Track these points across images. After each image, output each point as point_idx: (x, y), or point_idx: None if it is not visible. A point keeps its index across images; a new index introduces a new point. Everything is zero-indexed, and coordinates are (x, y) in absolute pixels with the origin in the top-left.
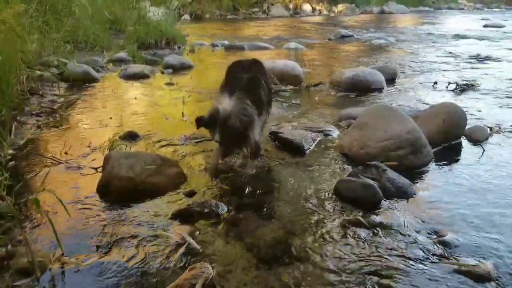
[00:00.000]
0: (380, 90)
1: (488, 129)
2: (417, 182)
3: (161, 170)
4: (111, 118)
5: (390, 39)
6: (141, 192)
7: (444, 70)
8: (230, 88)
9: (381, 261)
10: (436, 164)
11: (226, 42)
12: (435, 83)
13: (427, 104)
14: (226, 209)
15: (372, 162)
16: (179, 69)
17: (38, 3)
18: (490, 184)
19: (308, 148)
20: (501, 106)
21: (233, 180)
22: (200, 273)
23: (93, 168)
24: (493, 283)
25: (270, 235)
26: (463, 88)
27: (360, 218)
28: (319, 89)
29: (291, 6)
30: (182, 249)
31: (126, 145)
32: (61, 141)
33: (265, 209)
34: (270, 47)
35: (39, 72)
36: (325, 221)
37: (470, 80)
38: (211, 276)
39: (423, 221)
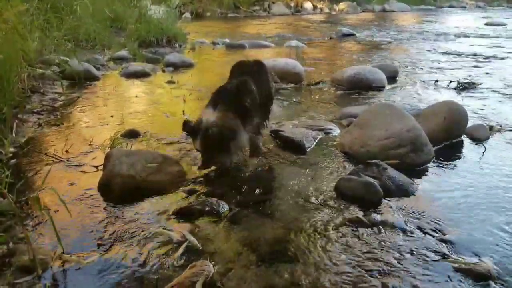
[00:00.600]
0: (381, 88)
1: (489, 127)
2: (418, 181)
3: (162, 168)
4: (112, 116)
5: (391, 37)
6: (142, 190)
7: (445, 69)
8: (217, 98)
9: (381, 259)
10: (437, 163)
11: (227, 41)
12: (436, 81)
13: (428, 102)
14: (227, 208)
15: (373, 161)
16: (180, 67)
17: (39, 1)
18: (491, 182)
19: (309, 147)
20: (502, 105)
21: (234, 178)
22: (200, 271)
23: (94, 166)
24: (493, 282)
25: (271, 233)
26: (464, 86)
27: (361, 216)
28: (320, 87)
29: (292, 4)
30: (182, 247)
31: (127, 143)
32: (62, 139)
33: (265, 207)
34: (271, 46)
35: (40, 70)
36: (326, 219)
37: (471, 79)
38: (211, 274)
39: (423, 220)
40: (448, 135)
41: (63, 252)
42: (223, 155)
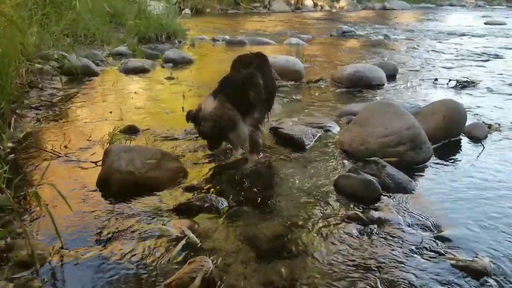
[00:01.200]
0: (380, 86)
1: (488, 126)
2: (416, 178)
3: (161, 164)
4: (111, 112)
5: (391, 35)
6: (141, 186)
7: (444, 67)
8: (218, 89)
9: (379, 256)
10: (436, 161)
11: (227, 37)
12: (436, 79)
13: (427, 100)
14: (226, 204)
15: (372, 158)
16: (180, 63)
17: None
18: (489, 181)
19: (309, 144)
20: (501, 104)
21: (233, 175)
22: (199, 267)
23: (93, 162)
24: (489, 278)
25: (270, 230)
26: (464, 85)
27: (359, 213)
28: (320, 85)
29: (292, 1)
30: (181, 243)
31: (126, 139)
32: (61, 135)
33: (265, 203)
34: (271, 43)
35: (38, 65)
36: (325, 216)
37: (470, 77)
38: (210, 270)
39: (421, 217)
40: (447, 134)
41: (62, 247)
42: (221, 142)
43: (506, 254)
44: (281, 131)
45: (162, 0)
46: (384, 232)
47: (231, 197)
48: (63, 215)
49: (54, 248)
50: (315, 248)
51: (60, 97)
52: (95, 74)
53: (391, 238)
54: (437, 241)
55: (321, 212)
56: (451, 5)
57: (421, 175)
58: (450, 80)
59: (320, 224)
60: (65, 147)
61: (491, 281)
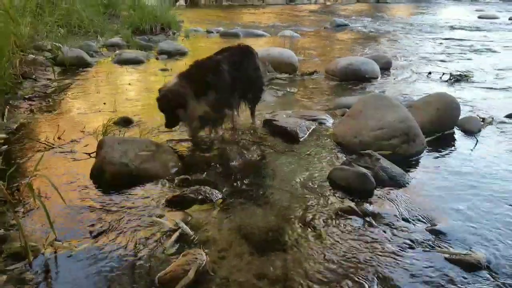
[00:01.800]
0: (374, 79)
1: (481, 119)
2: (410, 171)
3: (155, 156)
4: (104, 103)
5: (385, 28)
6: (134, 178)
7: (438, 61)
8: (182, 73)
9: (373, 249)
10: (429, 154)
11: (221, 29)
12: (429, 73)
13: (421, 94)
14: (220, 196)
15: (366, 151)
16: (174, 55)
17: None
18: (482, 174)
19: (302, 136)
20: (495, 97)
21: (227, 167)
22: (193, 259)
23: (87, 153)
24: (483, 272)
25: (263, 222)
26: (457, 78)
27: (353, 206)
28: (314, 77)
29: None
30: (175, 236)
31: (120, 131)
32: (54, 126)
33: (258, 196)
34: (265, 35)
35: (32, 56)
36: (318, 209)
37: (464, 71)
38: (204, 262)
39: (415, 210)
40: (441, 127)
41: (55, 239)
42: (178, 119)
43: (500, 247)
44: (275, 124)
45: None
46: (378, 225)
47: (225, 190)
48: (56, 206)
49: (48, 240)
50: (308, 241)
51: (53, 88)
52: (89, 65)
53: (384, 231)
54: (431, 234)
55: (315, 205)
56: None
57: (415, 168)
58: (443, 73)
59: (314, 217)
60: (59, 138)
61: (485, 274)
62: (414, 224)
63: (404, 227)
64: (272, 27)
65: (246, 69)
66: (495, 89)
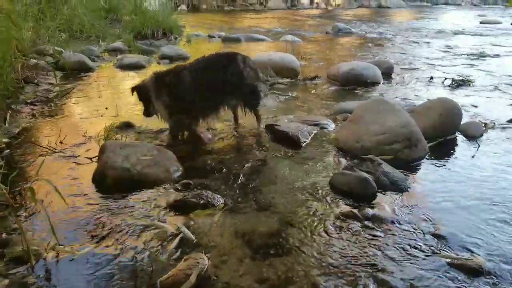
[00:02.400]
0: (376, 84)
1: (483, 124)
2: (411, 176)
3: (157, 160)
4: (106, 108)
5: (387, 33)
6: (136, 183)
7: (440, 66)
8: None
9: (374, 253)
10: (431, 159)
11: (223, 34)
12: (431, 78)
13: (423, 99)
14: (221, 201)
15: (368, 156)
16: (176, 59)
17: None
18: (484, 179)
19: (304, 141)
20: (496, 102)
21: (229, 172)
22: (195, 264)
23: (89, 158)
24: (485, 277)
25: (265, 226)
26: (459, 83)
27: (355, 211)
28: (316, 82)
29: None
30: (177, 240)
31: (121, 135)
32: (56, 130)
33: (260, 201)
34: (267, 39)
35: (34, 60)
36: (320, 213)
37: (466, 76)
38: (206, 266)
39: (417, 215)
40: (443, 132)
41: (58, 243)
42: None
43: (502, 252)
44: (277, 128)
45: None
46: (379, 229)
47: (226, 194)
48: (58, 211)
49: (50, 244)
50: (310, 245)
51: (55, 93)
52: (91, 69)
53: (386, 235)
54: (432, 239)
55: (316, 209)
56: (447, 3)
57: (417, 173)
58: (445, 78)
59: (316, 221)
60: (61, 142)
61: (486, 279)
62: (415, 229)
63: (405, 232)
64: (273, 32)
65: (224, 75)
66: (497, 93)
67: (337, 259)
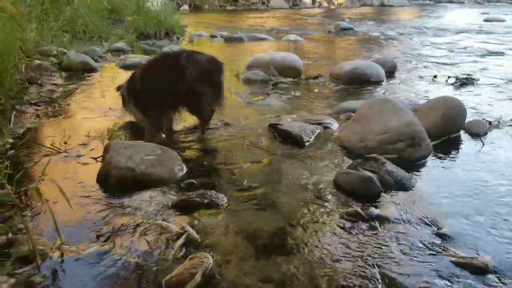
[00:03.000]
0: (379, 83)
1: (488, 123)
2: (416, 175)
3: (161, 160)
4: (110, 108)
5: (389, 32)
6: (140, 182)
7: (443, 64)
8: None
9: (379, 253)
10: (435, 158)
11: (225, 33)
12: (435, 76)
13: (426, 97)
14: (225, 200)
15: (371, 155)
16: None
17: None
18: (489, 177)
19: (307, 140)
20: (501, 100)
21: (233, 171)
22: (199, 263)
23: (93, 157)
24: (491, 275)
25: (269, 226)
26: (463, 82)
27: (359, 210)
28: (319, 81)
29: None
30: (181, 239)
31: (125, 135)
32: (60, 131)
33: (264, 200)
34: (269, 39)
35: (38, 61)
36: (324, 212)
37: (469, 74)
38: (210, 266)
39: (421, 214)
40: (447, 130)
41: (62, 243)
42: None
43: (508, 251)
44: (280, 128)
45: None
46: (384, 229)
47: (230, 193)
48: (63, 210)
49: (55, 244)
50: (314, 245)
51: (59, 93)
52: (94, 70)
53: (390, 235)
54: (437, 238)
55: (320, 209)
56: (450, 1)
57: (421, 172)
58: (449, 76)
59: (320, 221)
60: (65, 143)
61: (492, 278)
62: (420, 228)
63: (410, 230)
64: (276, 31)
65: (168, 74)
66: (501, 92)
67: (341, 259)
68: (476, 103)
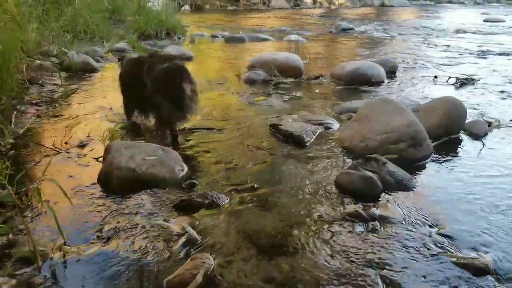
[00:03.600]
0: (380, 83)
1: (488, 123)
2: (417, 175)
3: (162, 160)
4: (111, 108)
5: (390, 32)
6: (141, 183)
7: (444, 64)
8: None
9: (380, 253)
10: (436, 158)
11: (226, 33)
12: (435, 77)
13: (427, 98)
14: (226, 200)
15: (372, 155)
16: (179, 59)
17: None
18: (489, 178)
19: (309, 141)
20: (501, 101)
21: (234, 171)
22: (201, 264)
23: (94, 158)
24: (491, 276)
25: (270, 226)
26: (463, 82)
27: (360, 210)
28: (320, 81)
29: None
30: (182, 240)
31: (126, 136)
32: (61, 131)
33: (265, 200)
34: (271, 39)
35: (38, 61)
36: (325, 213)
37: (470, 75)
38: (212, 266)
39: (422, 214)
40: (447, 131)
41: (63, 244)
42: None
43: (509, 251)
44: (281, 128)
45: None
46: (385, 229)
47: (231, 194)
48: (64, 211)
49: (56, 244)
50: (315, 245)
51: (60, 93)
52: (95, 70)
53: (391, 235)
54: (438, 238)
55: (321, 209)
56: (450, 2)
57: (422, 172)
58: (450, 77)
59: (321, 221)
60: (66, 143)
61: (493, 278)
62: (421, 228)
63: (411, 231)
64: (277, 31)
65: (139, 88)
66: (501, 92)
67: (343, 259)
68: (476, 103)
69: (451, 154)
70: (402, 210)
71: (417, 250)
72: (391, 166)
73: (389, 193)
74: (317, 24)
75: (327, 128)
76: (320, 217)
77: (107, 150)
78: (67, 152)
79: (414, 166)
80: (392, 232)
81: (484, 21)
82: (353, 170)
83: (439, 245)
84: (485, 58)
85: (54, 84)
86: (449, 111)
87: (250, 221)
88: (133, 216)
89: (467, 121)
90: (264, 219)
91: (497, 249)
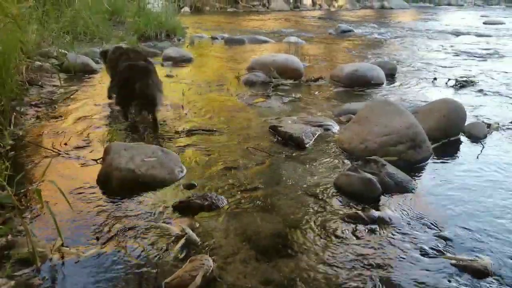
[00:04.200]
0: (380, 85)
1: (487, 125)
2: (416, 177)
3: (161, 162)
4: (111, 109)
5: (390, 34)
6: (141, 184)
7: (443, 66)
8: None
9: (379, 255)
10: (436, 160)
11: (226, 35)
12: (435, 79)
13: (426, 100)
14: (226, 202)
15: (372, 157)
16: (179, 61)
17: None
18: (489, 180)
19: (308, 142)
20: (500, 103)
21: (234, 173)
22: (200, 265)
23: (93, 159)
24: (491, 278)
25: (270, 228)
26: (463, 84)
27: (359, 212)
28: (319, 83)
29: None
30: (182, 241)
31: (126, 137)
32: (61, 132)
33: (264, 202)
34: (270, 41)
35: (38, 62)
36: (324, 215)
37: (469, 77)
38: (211, 268)
39: (422, 216)
40: (446, 133)
41: (62, 245)
42: None
43: (508, 254)
44: (280, 129)
45: None
46: (384, 231)
47: (231, 195)
48: (63, 212)
49: (55, 246)
50: (315, 247)
51: (60, 95)
52: (95, 71)
53: (391, 237)
54: (437, 240)
55: (321, 211)
56: (450, 4)
57: (421, 174)
58: (449, 79)
59: (320, 223)
60: (65, 144)
61: (492, 281)
62: (420, 230)
63: (410, 233)
64: (276, 33)
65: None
66: (501, 94)
67: (342, 261)
68: (475, 105)
69: (451, 156)
70: (402, 212)
71: (416, 252)
72: (391, 168)
73: (389, 195)
74: (316, 26)
75: (327, 130)
76: (319, 218)
77: (107, 151)
78: (66, 153)
79: (414, 168)
80: (391, 234)
81: (484, 23)
82: (353, 172)
83: (438, 247)
84: (484, 60)
85: (54, 86)
86: (449, 113)
87: (250, 223)
88: (132, 217)
89: (466, 123)
90: (263, 221)
91: (496, 251)
